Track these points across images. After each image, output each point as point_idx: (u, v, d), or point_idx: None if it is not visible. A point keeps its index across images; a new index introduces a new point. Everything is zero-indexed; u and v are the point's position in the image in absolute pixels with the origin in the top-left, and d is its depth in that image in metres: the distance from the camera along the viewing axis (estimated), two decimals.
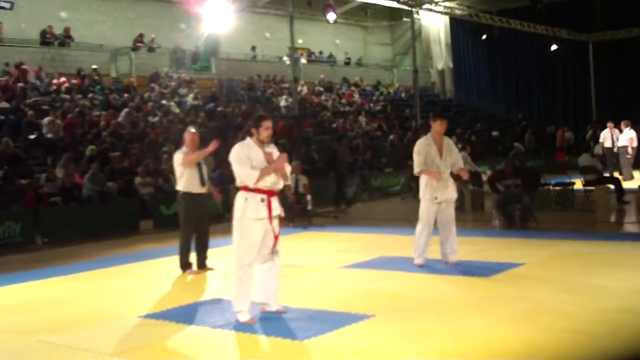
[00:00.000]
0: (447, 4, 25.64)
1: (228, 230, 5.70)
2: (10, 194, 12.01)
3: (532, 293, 6.03)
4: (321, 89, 24.81)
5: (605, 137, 17.90)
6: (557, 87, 28.59)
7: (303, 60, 26.18)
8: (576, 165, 13.56)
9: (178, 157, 7.75)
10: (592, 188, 12.12)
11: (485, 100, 29.41)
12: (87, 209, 12.08)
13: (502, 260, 7.52)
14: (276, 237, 5.56)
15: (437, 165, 7.31)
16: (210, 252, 8.12)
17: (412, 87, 25.07)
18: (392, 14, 29.94)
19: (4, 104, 15.74)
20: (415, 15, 26.63)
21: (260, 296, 5.71)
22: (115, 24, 22.02)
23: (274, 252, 5.60)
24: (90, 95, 17.66)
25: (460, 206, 8.71)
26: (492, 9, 26.01)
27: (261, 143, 5.55)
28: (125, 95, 18.37)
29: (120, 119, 16.55)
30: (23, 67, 17.59)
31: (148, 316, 5.97)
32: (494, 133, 24.69)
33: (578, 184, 12.65)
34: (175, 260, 7.98)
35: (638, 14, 23.67)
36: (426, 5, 24.68)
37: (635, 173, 16.88)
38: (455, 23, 29.02)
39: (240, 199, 5.49)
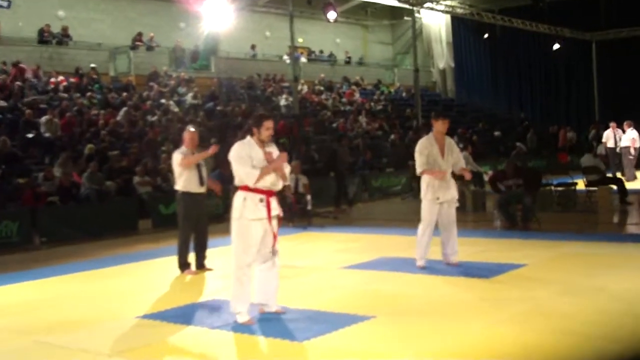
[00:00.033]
0: (449, 2, 25.57)
1: (227, 230, 5.68)
2: (7, 193, 11.95)
3: (534, 294, 6.00)
4: (321, 88, 24.73)
5: (608, 137, 17.84)
6: (560, 87, 28.51)
7: (303, 59, 26.09)
8: (578, 166, 13.52)
9: (177, 157, 7.71)
10: (595, 189, 12.07)
11: (487, 99, 29.33)
12: (85, 209, 12.03)
13: (503, 261, 7.49)
14: (275, 237, 5.52)
15: (439, 165, 7.26)
16: (209, 253, 8.08)
17: (413, 87, 24.99)
18: (392, 13, 29.86)
19: (2, 103, 15.66)
20: (417, 14, 26.57)
21: (259, 297, 5.68)
22: (114, 22, 21.94)
23: (273, 252, 5.57)
24: (88, 94, 17.60)
25: (461, 207, 8.64)
26: (494, 8, 25.96)
27: (262, 142, 5.52)
28: (124, 94, 18.30)
29: (118, 117, 16.48)
30: (20, 65, 17.50)
31: (146, 317, 5.94)
32: (496, 133, 24.61)
33: (580, 185, 12.60)
34: (173, 260, 7.95)
35: None
36: (427, 4, 24.63)
37: (638, 173, 16.81)
38: (457, 22, 28.94)
39: (238, 198, 5.45)
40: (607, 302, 5.63)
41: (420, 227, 7.41)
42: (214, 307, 6.15)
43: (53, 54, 19.28)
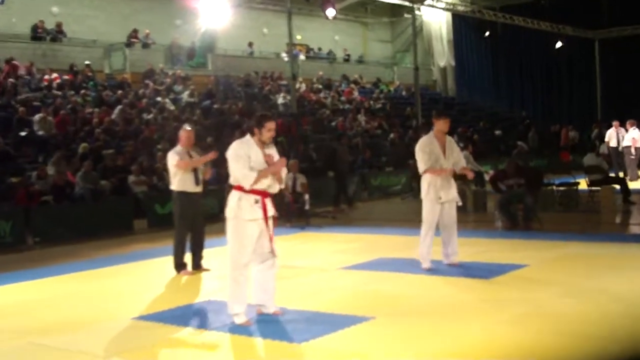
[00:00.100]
0: (449, 0, 25.45)
1: (223, 231, 5.64)
2: (0, 192, 11.86)
3: (535, 295, 5.98)
4: (320, 86, 24.63)
5: (611, 136, 17.73)
6: (562, 85, 28.46)
7: (301, 57, 25.95)
8: (581, 165, 13.42)
9: (172, 157, 7.62)
10: (598, 188, 11.99)
11: (488, 98, 29.27)
12: (79, 208, 11.91)
13: (504, 262, 7.45)
14: (271, 238, 5.45)
15: (441, 164, 7.23)
16: (206, 253, 8.02)
17: (413, 85, 24.91)
18: (392, 10, 29.74)
19: None
20: (417, 12, 26.46)
21: (256, 297, 5.63)
22: (109, 19, 21.75)
23: (273, 254, 5.50)
24: (82, 91, 17.47)
25: (462, 207, 8.53)
26: (495, 5, 25.87)
27: (262, 143, 5.43)
28: (119, 91, 18.16)
29: (113, 116, 16.33)
30: (14, 62, 17.34)
31: (142, 318, 5.89)
32: (497, 132, 24.56)
33: (583, 184, 12.53)
34: (169, 260, 7.89)
35: None
36: (428, 2, 24.54)
37: None
38: (458, 19, 28.88)
39: (233, 198, 5.38)
40: (608, 303, 5.60)
41: (423, 228, 7.34)
42: (210, 308, 6.14)
43: (47, 50, 19.14)
